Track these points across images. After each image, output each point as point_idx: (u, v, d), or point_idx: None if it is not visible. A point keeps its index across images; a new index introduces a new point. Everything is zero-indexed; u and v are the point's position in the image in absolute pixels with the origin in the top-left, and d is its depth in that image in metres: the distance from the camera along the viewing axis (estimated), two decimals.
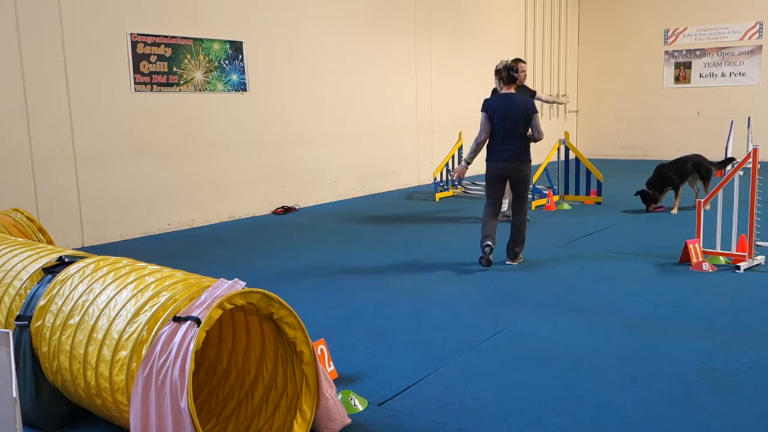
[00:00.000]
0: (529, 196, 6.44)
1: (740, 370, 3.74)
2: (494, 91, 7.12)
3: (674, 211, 8.81)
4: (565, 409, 3.33)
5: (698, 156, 8.93)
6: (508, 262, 6.30)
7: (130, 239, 7.82)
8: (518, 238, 6.27)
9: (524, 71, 7.78)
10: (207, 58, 8.58)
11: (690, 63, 15.41)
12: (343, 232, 8.08)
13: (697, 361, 3.87)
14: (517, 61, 7.55)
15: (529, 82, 15.10)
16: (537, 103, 6.86)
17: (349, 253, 6.94)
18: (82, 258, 3.46)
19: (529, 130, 6.13)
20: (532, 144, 6.22)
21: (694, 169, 8.80)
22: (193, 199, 8.56)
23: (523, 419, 3.23)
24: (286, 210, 9.54)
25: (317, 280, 5.89)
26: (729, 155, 8.10)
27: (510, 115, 6.02)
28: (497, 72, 6.13)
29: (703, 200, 6.24)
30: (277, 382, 3.17)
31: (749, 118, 7.81)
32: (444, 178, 10.78)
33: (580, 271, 5.99)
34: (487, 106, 6.16)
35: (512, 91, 6.16)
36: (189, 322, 2.67)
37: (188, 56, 8.35)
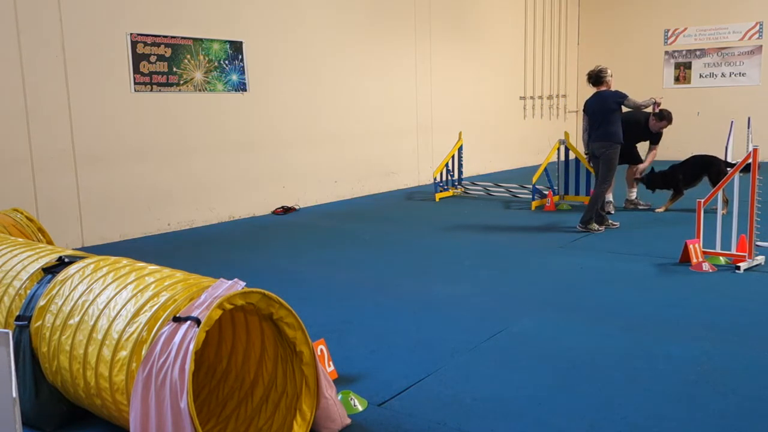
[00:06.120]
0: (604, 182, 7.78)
1: (740, 370, 3.74)
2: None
3: (661, 209, 8.76)
4: (564, 409, 3.33)
5: (712, 157, 8.67)
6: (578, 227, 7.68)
7: (130, 239, 7.82)
8: (587, 207, 7.68)
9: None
10: (207, 58, 8.58)
11: (690, 63, 15.41)
12: (343, 232, 8.08)
13: (697, 361, 3.87)
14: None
15: (528, 83, 15.17)
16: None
17: (349, 253, 6.94)
18: (82, 258, 3.46)
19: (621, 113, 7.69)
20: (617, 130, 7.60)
21: (703, 172, 8.57)
22: (193, 199, 8.56)
23: (523, 419, 3.23)
24: (286, 210, 9.54)
25: (317, 280, 5.89)
26: (729, 156, 8.06)
27: (597, 107, 7.63)
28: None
29: (703, 200, 6.23)
30: (276, 383, 3.17)
31: (749, 119, 7.79)
32: (444, 179, 10.77)
33: (580, 271, 5.99)
34: (584, 106, 7.95)
35: (603, 89, 7.71)
36: (189, 322, 2.66)
37: (188, 56, 8.35)
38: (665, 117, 8.70)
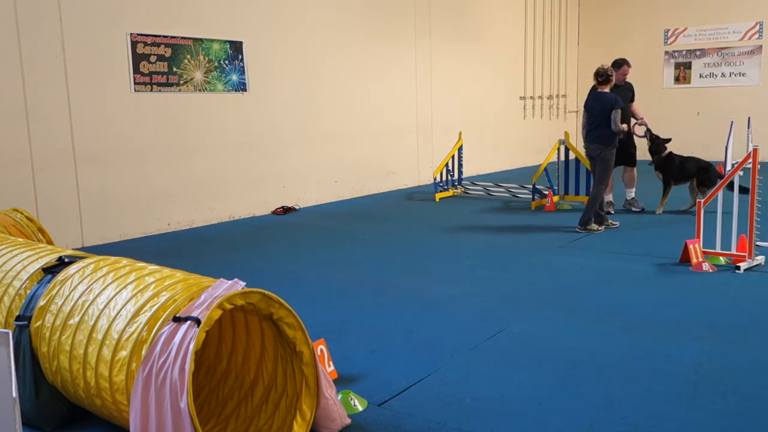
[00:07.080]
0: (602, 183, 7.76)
1: (740, 370, 3.74)
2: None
3: (659, 211, 8.73)
4: (564, 409, 3.33)
5: (709, 164, 8.72)
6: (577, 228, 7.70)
7: (130, 239, 7.82)
8: (586, 208, 7.72)
9: (626, 72, 9.02)
10: (207, 58, 8.57)
11: (690, 63, 15.41)
12: (343, 232, 8.08)
13: (697, 361, 3.87)
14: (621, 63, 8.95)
15: (528, 83, 15.17)
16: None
17: (349, 253, 6.94)
18: (82, 258, 3.46)
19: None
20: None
21: (697, 174, 8.58)
22: (193, 199, 8.56)
23: (523, 419, 3.23)
24: (286, 210, 9.54)
25: (317, 280, 5.89)
26: (729, 157, 8.03)
27: (596, 108, 7.63)
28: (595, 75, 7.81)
29: (703, 200, 6.23)
30: (276, 383, 3.17)
31: (749, 119, 7.78)
32: (444, 179, 10.77)
33: (580, 271, 5.99)
34: (585, 103, 7.97)
35: (606, 90, 7.69)
36: (189, 322, 2.66)
37: (188, 56, 8.35)
38: (622, 63, 8.89)
